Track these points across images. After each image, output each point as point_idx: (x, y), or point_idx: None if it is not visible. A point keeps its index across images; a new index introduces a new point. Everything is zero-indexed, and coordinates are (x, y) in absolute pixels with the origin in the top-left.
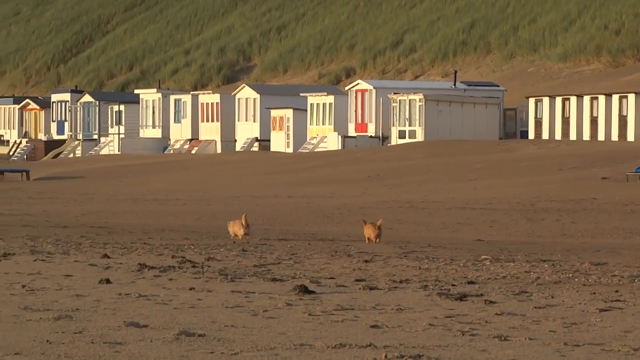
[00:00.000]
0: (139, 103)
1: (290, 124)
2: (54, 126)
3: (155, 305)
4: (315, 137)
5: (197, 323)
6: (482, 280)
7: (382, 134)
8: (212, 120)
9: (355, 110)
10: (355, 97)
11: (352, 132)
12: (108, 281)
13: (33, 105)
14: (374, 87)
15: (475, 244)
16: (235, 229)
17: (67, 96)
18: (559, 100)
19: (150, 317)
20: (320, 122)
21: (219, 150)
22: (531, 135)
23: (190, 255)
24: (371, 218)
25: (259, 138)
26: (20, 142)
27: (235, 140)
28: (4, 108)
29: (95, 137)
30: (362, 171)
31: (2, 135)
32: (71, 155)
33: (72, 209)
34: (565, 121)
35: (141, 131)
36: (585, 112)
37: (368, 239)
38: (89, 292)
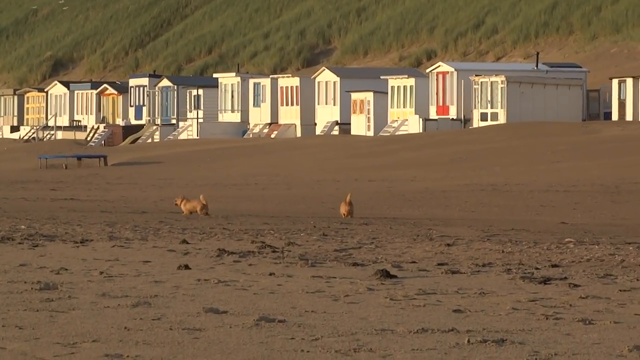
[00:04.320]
0: (217, 87)
1: (371, 107)
2: (131, 111)
3: (235, 291)
4: (396, 120)
5: (277, 309)
6: (566, 264)
7: (464, 116)
8: (292, 104)
9: (437, 93)
10: (437, 80)
11: (433, 114)
12: (187, 267)
13: (111, 90)
14: (456, 70)
15: (558, 226)
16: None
17: (145, 81)
18: None
19: (230, 303)
20: (401, 105)
21: (298, 134)
22: (615, 116)
23: (270, 240)
24: (454, 202)
25: (339, 121)
26: (98, 128)
27: (315, 124)
28: (82, 93)
29: (174, 121)
30: (443, 154)
31: (80, 121)
32: (149, 141)
33: (151, 195)
34: None
35: (220, 115)
36: None
37: (343, 214)
38: (168, 278)
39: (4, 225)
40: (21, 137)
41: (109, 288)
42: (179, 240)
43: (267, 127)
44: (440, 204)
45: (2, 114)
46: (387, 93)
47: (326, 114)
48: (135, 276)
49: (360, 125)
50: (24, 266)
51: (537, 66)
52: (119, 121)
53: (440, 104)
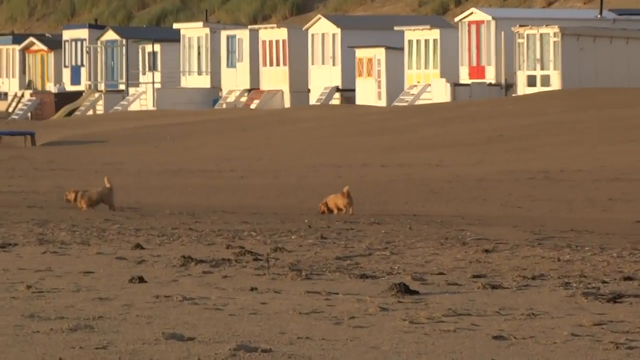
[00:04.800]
0: (179, 41)
1: (382, 67)
2: (66, 73)
3: (205, 311)
4: (416, 86)
5: (261, 335)
6: None
7: (505, 80)
8: (278, 64)
9: (469, 50)
10: (469, 32)
11: (464, 78)
12: (142, 280)
13: (39, 45)
14: (493, 18)
15: (633, 227)
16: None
17: (83, 33)
18: None
19: (198, 327)
20: (422, 66)
21: (287, 105)
22: None
23: (251, 244)
24: (493, 194)
25: (340, 87)
26: (22, 95)
27: (309, 91)
28: (1, 49)
29: (122, 87)
30: (478, 131)
31: None
32: (90, 113)
33: (93, 184)
34: None
35: (183, 79)
36: None
37: (338, 209)
38: (117, 294)
39: None
40: None
41: (38, 307)
42: (131, 244)
43: (246, 94)
44: (475, 197)
45: None
46: (403, 49)
47: (323, 78)
48: (74, 292)
49: (369, 93)
50: None
51: (601, 13)
52: (50, 87)
53: (474, 64)
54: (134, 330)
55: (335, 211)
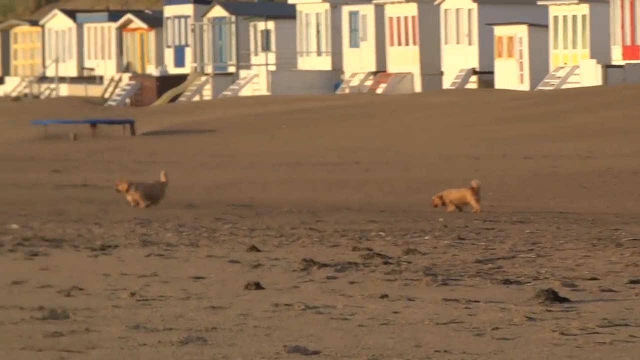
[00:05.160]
0: (295, 18)
1: (524, 47)
2: (169, 54)
3: (331, 321)
4: (562, 67)
5: (394, 348)
6: None
7: None
8: (407, 44)
9: (622, 26)
10: (622, 6)
11: (617, 59)
12: (258, 286)
13: (137, 22)
14: None
15: None
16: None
17: (188, 9)
18: None
19: (324, 339)
20: (569, 45)
21: (417, 89)
22: None
23: (380, 246)
24: None
25: (477, 70)
26: (120, 79)
27: (442, 73)
28: (95, 28)
29: (232, 70)
30: (633, 118)
31: (93, 69)
32: (196, 98)
33: (201, 179)
34: None
35: (300, 60)
36: None
37: (459, 204)
38: (231, 302)
39: None
40: (7, 93)
41: (144, 317)
42: (246, 246)
43: (371, 77)
44: (631, 192)
45: None
46: (547, 26)
47: (457, 59)
48: (183, 299)
49: (509, 75)
50: (19, 284)
51: None
52: (151, 69)
53: (628, 42)
54: (252, 342)
55: (451, 207)
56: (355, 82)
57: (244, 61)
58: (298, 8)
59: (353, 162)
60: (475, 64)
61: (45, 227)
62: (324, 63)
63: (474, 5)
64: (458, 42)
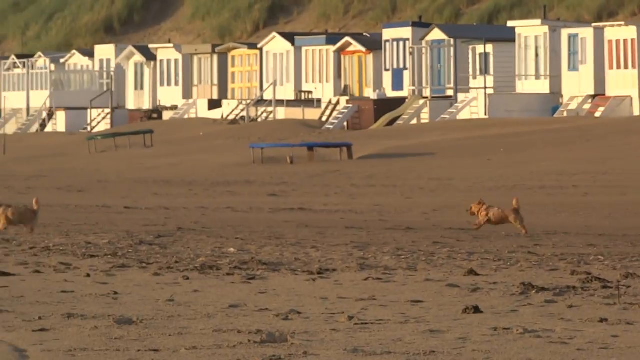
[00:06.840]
0: (514, 41)
1: None
2: (387, 77)
3: (549, 345)
4: None
5: None
6: None
7: None
8: (626, 67)
9: None
10: None
11: None
12: (477, 310)
13: (356, 45)
14: None
15: None
16: None
17: (407, 32)
18: None
19: None
20: None
21: (636, 112)
22: None
23: (599, 270)
24: None
25: None
26: (338, 102)
27: None
28: (313, 51)
29: (450, 93)
30: None
31: (311, 92)
32: (414, 121)
33: (418, 202)
34: None
35: (518, 84)
36: None
37: (485, 221)
38: (449, 326)
39: (204, 248)
40: (224, 116)
41: (362, 341)
42: (464, 270)
43: (590, 100)
44: None
45: (195, 83)
46: None
47: None
48: (402, 323)
49: None
50: (236, 308)
51: None
52: (369, 93)
53: None
54: None
55: (482, 221)
56: (573, 105)
57: (462, 84)
58: (517, 31)
59: (571, 185)
60: None
61: (263, 250)
62: (543, 86)
63: None
64: None
